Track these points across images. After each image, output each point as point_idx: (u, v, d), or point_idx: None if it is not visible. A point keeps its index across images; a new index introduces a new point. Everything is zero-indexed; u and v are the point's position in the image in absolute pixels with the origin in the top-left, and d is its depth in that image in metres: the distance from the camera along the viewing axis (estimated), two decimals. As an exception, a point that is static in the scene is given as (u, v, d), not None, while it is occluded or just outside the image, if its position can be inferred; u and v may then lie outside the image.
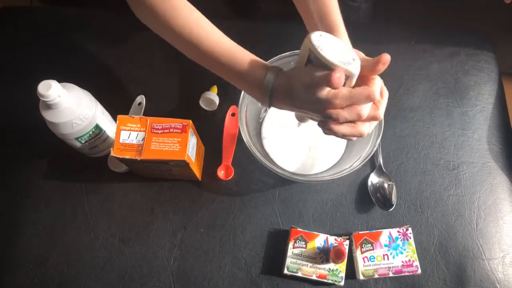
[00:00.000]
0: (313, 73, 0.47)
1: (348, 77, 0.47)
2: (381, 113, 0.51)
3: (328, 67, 0.46)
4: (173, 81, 0.80)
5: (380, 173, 0.72)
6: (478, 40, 0.86)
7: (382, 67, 0.47)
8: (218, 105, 0.76)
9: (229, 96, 0.77)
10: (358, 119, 0.48)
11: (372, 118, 0.50)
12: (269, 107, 0.55)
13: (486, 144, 0.76)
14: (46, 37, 0.84)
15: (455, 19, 0.89)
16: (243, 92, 0.65)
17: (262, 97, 0.53)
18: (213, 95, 0.75)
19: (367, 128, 0.51)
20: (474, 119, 0.78)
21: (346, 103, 0.47)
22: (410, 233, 0.66)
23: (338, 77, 0.44)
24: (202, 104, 0.76)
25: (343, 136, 0.51)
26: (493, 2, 0.93)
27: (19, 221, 0.69)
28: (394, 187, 0.71)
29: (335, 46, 0.46)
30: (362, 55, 0.51)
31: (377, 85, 0.48)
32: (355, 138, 0.53)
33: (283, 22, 0.85)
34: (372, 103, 0.50)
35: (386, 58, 0.46)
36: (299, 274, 0.63)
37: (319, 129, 0.74)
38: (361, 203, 0.71)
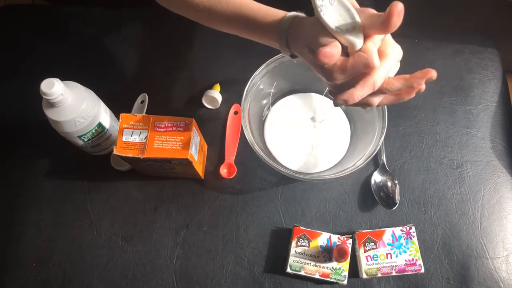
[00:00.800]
0: (316, 35, 0.42)
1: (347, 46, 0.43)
2: (377, 79, 0.43)
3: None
4: (176, 80, 0.79)
5: (383, 171, 0.72)
6: (482, 38, 0.85)
7: (396, 21, 0.38)
8: (221, 103, 0.76)
9: (232, 95, 0.77)
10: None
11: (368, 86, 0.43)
12: (289, 54, 0.51)
13: (490, 143, 0.75)
14: (49, 35, 0.84)
15: (458, 16, 0.88)
16: (246, 90, 0.65)
17: (280, 40, 0.49)
18: (215, 93, 0.74)
19: (376, 99, 0.46)
20: (478, 117, 0.77)
21: (345, 75, 0.42)
22: (414, 232, 0.66)
23: (325, 52, 0.39)
24: (204, 102, 0.76)
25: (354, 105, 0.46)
26: (498, 0, 0.92)
27: (21, 219, 0.69)
28: (397, 185, 0.70)
29: (340, 8, 0.41)
30: (372, 11, 0.43)
31: (372, 50, 0.41)
32: (368, 108, 0.48)
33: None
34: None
35: (398, 7, 0.37)
36: (302, 273, 0.63)
37: (322, 128, 0.74)
38: (364, 202, 0.71)
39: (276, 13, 0.51)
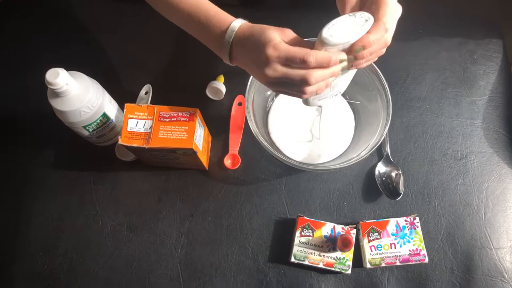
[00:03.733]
0: (287, 47, 0.45)
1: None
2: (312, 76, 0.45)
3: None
4: (180, 71, 0.80)
5: (388, 162, 0.72)
6: (487, 29, 0.85)
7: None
8: (225, 94, 0.76)
9: (236, 86, 0.77)
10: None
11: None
12: (231, 62, 0.53)
13: (495, 134, 0.75)
14: (53, 26, 0.84)
15: (463, 7, 0.88)
16: (250, 81, 0.65)
17: (222, 50, 0.52)
18: (219, 84, 0.74)
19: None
20: (483, 109, 0.77)
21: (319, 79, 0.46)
22: (418, 222, 0.66)
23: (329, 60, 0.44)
24: (208, 93, 0.76)
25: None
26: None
27: (27, 210, 0.69)
28: (401, 176, 0.70)
29: (345, 26, 0.45)
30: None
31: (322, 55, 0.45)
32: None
33: (288, 11, 0.84)
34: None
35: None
36: (306, 262, 0.63)
37: (326, 118, 0.74)
38: (368, 192, 0.71)
39: (223, 16, 0.53)
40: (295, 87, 0.48)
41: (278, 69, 0.46)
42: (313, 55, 0.44)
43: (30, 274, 0.65)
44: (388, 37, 0.47)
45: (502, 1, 0.97)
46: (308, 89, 0.47)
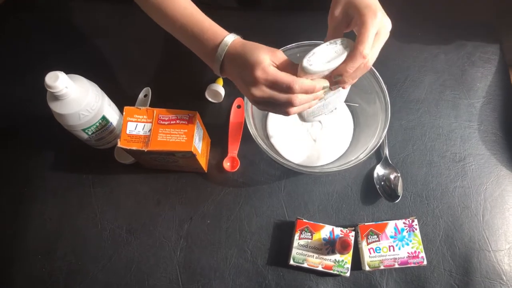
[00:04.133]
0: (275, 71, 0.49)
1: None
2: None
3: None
4: (179, 74, 0.80)
5: (386, 164, 0.72)
6: (485, 31, 0.85)
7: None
8: (224, 97, 0.76)
9: (235, 89, 0.77)
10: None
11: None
12: (221, 75, 0.56)
13: (493, 136, 0.75)
14: (53, 29, 0.84)
15: (462, 10, 0.88)
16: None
17: (214, 63, 0.54)
18: (218, 87, 0.75)
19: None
20: (481, 111, 0.77)
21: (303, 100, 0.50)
22: (416, 225, 0.66)
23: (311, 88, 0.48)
24: (207, 96, 0.76)
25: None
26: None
27: (26, 212, 0.69)
28: (400, 178, 0.71)
29: (325, 54, 0.48)
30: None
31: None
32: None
33: (289, 14, 0.85)
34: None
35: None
36: (305, 265, 0.63)
37: (325, 121, 0.74)
38: (367, 195, 0.71)
39: (216, 30, 0.55)
40: (279, 107, 0.51)
41: (265, 91, 0.49)
42: (299, 83, 0.47)
43: (29, 277, 0.65)
44: (369, 61, 0.48)
45: (499, 4, 0.97)
46: (292, 110, 0.51)
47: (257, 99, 0.50)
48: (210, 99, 0.76)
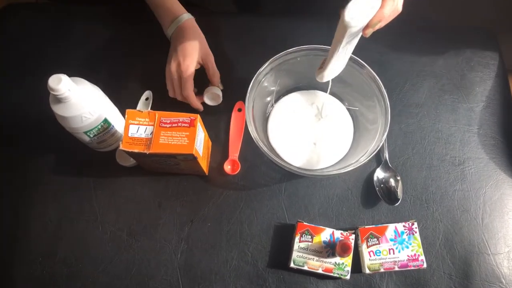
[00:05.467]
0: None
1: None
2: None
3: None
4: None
5: (386, 168, 0.72)
6: (483, 36, 0.86)
7: None
8: (225, 100, 0.77)
9: (236, 92, 0.78)
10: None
11: None
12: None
13: (492, 140, 0.76)
14: (54, 33, 0.84)
15: (460, 15, 0.89)
16: (250, 87, 0.66)
17: (166, 31, 0.75)
18: (215, 89, 0.75)
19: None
20: (480, 115, 0.78)
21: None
22: (416, 228, 0.66)
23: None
24: (207, 100, 0.76)
25: None
26: (499, -1, 0.93)
27: (27, 215, 0.69)
28: (400, 182, 0.71)
29: (362, 6, 0.50)
30: None
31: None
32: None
33: (288, 18, 0.85)
34: None
35: None
36: (305, 268, 0.64)
37: (325, 124, 0.75)
38: (367, 198, 0.71)
39: (174, 12, 0.75)
40: (169, 87, 0.73)
41: (173, 74, 0.71)
42: (189, 98, 0.72)
43: (29, 280, 0.65)
44: (399, 5, 0.52)
45: (498, 8, 0.98)
46: (170, 94, 0.74)
47: (167, 72, 0.72)
48: (209, 102, 0.76)
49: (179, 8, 0.75)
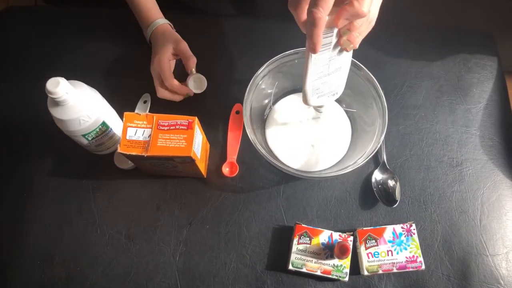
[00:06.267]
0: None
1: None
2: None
3: None
4: (178, 79, 0.80)
5: (384, 169, 0.73)
6: (481, 38, 0.86)
7: None
8: (223, 103, 0.77)
9: (234, 94, 0.78)
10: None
11: None
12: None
13: (489, 141, 0.76)
14: (52, 36, 0.84)
15: (457, 17, 0.89)
16: (247, 90, 0.66)
17: (145, 33, 0.79)
18: (198, 74, 0.75)
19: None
20: (478, 116, 0.78)
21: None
22: (414, 229, 0.66)
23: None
24: (191, 86, 0.75)
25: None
26: (496, 0, 0.93)
27: (25, 218, 0.69)
28: (397, 183, 0.71)
29: None
30: None
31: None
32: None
33: (286, 20, 0.85)
34: None
35: None
36: (304, 270, 0.64)
37: (323, 126, 0.75)
38: (365, 200, 0.71)
39: (151, 17, 0.78)
40: (156, 84, 0.75)
41: (155, 71, 0.74)
42: (169, 85, 0.73)
43: (27, 283, 0.65)
44: (370, 16, 0.50)
45: (495, 10, 0.98)
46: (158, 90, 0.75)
47: (152, 70, 0.75)
48: (194, 89, 0.76)
49: (156, 13, 0.78)
